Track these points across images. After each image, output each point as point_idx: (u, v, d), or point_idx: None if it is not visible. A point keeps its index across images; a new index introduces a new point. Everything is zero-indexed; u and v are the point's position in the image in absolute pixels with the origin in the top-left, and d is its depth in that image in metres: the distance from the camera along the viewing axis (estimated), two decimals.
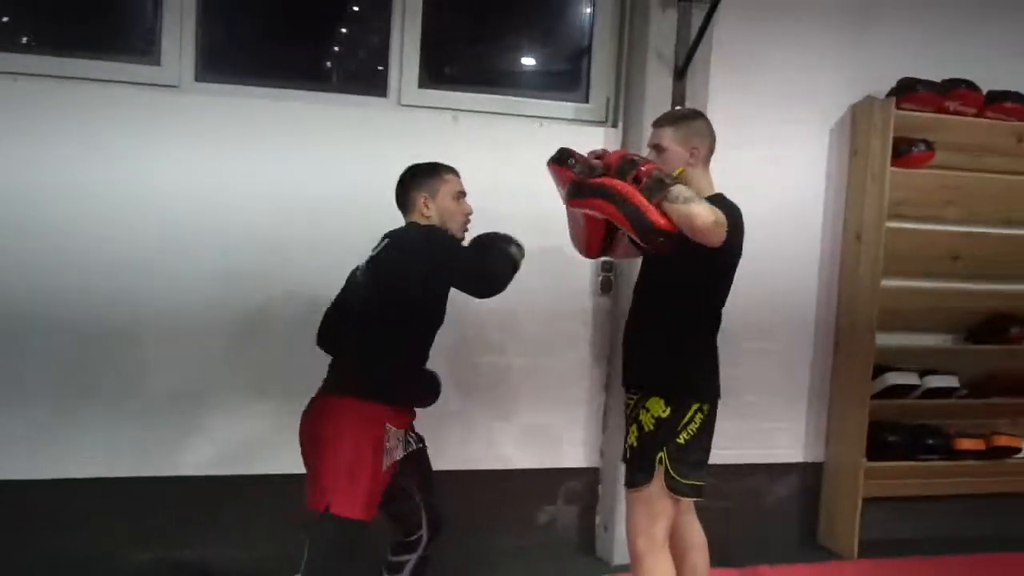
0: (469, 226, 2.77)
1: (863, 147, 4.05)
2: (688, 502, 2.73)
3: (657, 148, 2.69)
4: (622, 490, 3.75)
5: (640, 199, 2.46)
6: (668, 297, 2.70)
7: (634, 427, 2.69)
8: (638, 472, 2.66)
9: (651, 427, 2.63)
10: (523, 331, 3.83)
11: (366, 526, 2.50)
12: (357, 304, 2.64)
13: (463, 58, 3.99)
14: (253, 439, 3.48)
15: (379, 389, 2.55)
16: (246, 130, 3.47)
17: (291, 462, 2.69)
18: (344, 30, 3.98)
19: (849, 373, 4.08)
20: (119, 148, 3.33)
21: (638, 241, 2.55)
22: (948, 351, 4.33)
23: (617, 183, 2.51)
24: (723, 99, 3.75)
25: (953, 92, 3.99)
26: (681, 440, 2.61)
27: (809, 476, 4.24)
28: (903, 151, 3.96)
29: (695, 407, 2.62)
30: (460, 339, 3.64)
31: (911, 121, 3.97)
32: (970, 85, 4.01)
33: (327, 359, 2.72)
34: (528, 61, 4.11)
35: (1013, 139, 4.18)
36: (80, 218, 3.30)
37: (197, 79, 3.49)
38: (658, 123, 2.74)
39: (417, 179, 2.71)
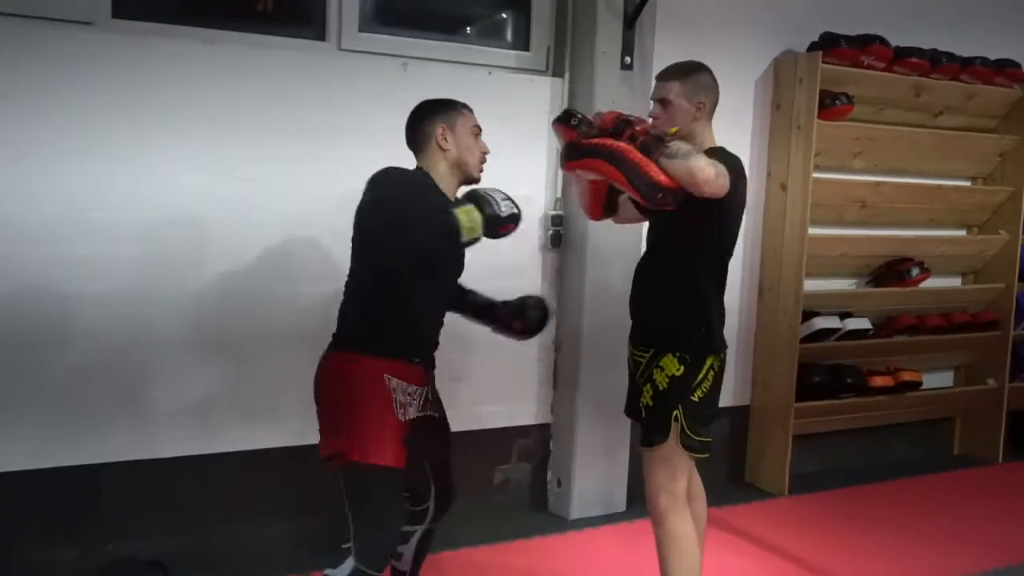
0: (484, 166, 2.57)
1: (787, 99, 4.18)
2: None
3: (663, 102, 2.62)
4: (575, 446, 3.81)
5: (638, 156, 2.41)
6: (675, 253, 2.66)
7: (648, 387, 2.65)
8: (655, 431, 2.63)
9: (665, 385, 2.61)
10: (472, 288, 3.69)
11: (401, 475, 2.37)
12: (353, 254, 2.47)
13: None
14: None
15: (372, 341, 2.40)
16: (167, 75, 3.09)
17: None
18: None
19: (777, 318, 4.25)
20: (23, 92, 2.89)
21: (639, 200, 2.51)
22: (855, 294, 4.59)
23: (613, 142, 2.46)
24: (667, 51, 3.73)
25: (869, 47, 4.18)
26: (696, 398, 2.60)
27: (736, 419, 4.40)
28: (827, 104, 4.11)
29: (709, 363, 2.61)
30: None
31: (830, 74, 4.12)
32: (882, 41, 4.21)
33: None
34: (473, 5, 3.92)
35: (912, 93, 4.44)
36: None
37: (114, 15, 3.08)
38: (664, 76, 2.66)
39: (434, 111, 2.50)
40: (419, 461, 2.53)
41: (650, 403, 2.65)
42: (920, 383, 4.61)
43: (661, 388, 2.62)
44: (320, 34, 3.43)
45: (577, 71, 3.75)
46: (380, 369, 2.39)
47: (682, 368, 2.59)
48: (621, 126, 2.50)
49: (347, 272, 2.52)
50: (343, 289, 2.51)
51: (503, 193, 2.34)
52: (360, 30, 3.47)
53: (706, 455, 2.67)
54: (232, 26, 3.28)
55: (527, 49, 3.84)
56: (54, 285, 2.98)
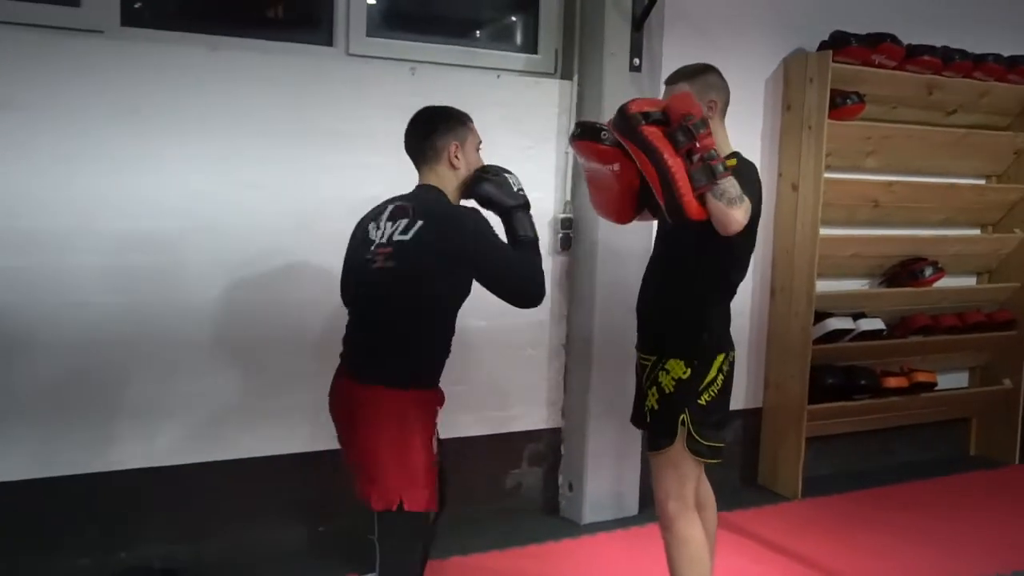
0: None
1: (798, 99, 4.15)
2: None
3: None
4: (587, 450, 3.80)
5: (683, 181, 2.33)
6: (686, 261, 2.62)
7: (654, 390, 2.63)
8: (661, 435, 2.61)
9: (671, 389, 2.59)
10: (480, 291, 3.67)
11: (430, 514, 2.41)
12: (389, 289, 2.35)
13: (414, 3, 3.75)
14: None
15: (425, 375, 2.40)
16: (177, 82, 3.10)
17: None
18: None
19: (789, 320, 4.22)
20: (35, 101, 2.90)
21: (663, 212, 2.44)
22: (868, 295, 4.55)
23: (668, 152, 2.35)
24: (676, 52, 3.71)
25: (880, 46, 4.14)
26: (703, 401, 2.57)
27: (748, 421, 4.37)
28: (837, 103, 4.08)
29: (717, 363, 2.59)
30: None
31: (841, 73, 4.09)
32: (894, 39, 4.18)
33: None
34: (481, 9, 3.92)
35: (925, 91, 4.41)
36: None
37: (123, 23, 3.09)
38: (673, 80, 2.64)
39: (446, 124, 2.43)
40: None
41: (655, 406, 2.63)
42: (935, 384, 4.57)
43: (667, 391, 2.59)
44: (328, 39, 3.44)
45: (586, 73, 3.73)
46: (434, 402, 2.42)
47: (688, 371, 2.57)
48: (683, 135, 2.34)
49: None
50: (358, 315, 2.46)
51: (513, 175, 2.48)
52: (368, 35, 3.47)
53: (717, 460, 2.65)
54: (241, 32, 3.29)
55: (535, 52, 3.83)
56: (68, 294, 2.99)
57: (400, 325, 2.34)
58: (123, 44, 3.04)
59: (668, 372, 2.60)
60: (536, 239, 2.45)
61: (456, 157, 2.42)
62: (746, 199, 2.35)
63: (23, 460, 2.98)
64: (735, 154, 2.59)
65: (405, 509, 2.27)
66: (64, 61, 2.93)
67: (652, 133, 2.36)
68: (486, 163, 2.52)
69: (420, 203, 2.37)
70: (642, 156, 2.39)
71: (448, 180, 2.44)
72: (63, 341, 3.00)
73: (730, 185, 2.34)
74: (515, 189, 2.45)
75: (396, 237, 2.32)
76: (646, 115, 2.38)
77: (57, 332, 2.99)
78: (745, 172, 2.51)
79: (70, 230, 2.97)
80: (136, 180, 3.06)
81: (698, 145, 2.33)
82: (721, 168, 2.33)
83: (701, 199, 2.34)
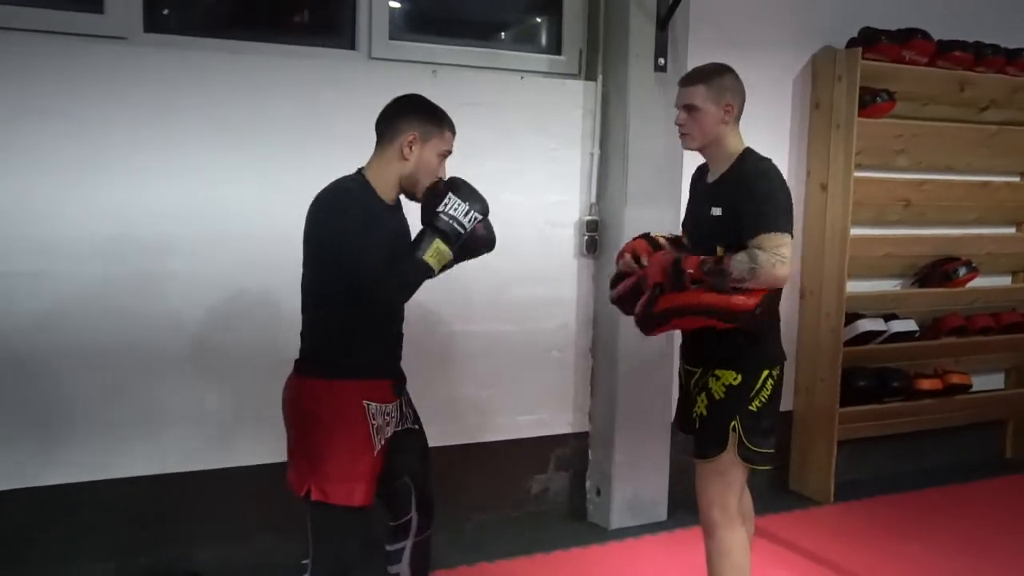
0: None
1: (826, 97, 4.09)
2: None
3: (689, 108, 2.54)
4: (614, 454, 3.75)
5: (717, 299, 2.37)
6: None
7: (703, 396, 2.56)
8: (710, 443, 2.54)
9: (722, 395, 2.51)
10: (506, 296, 3.66)
11: (367, 510, 2.34)
12: (304, 276, 2.37)
13: (437, 6, 3.73)
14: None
15: (341, 365, 2.31)
16: (200, 87, 3.10)
17: None
18: None
19: (819, 322, 4.15)
20: (60, 107, 2.90)
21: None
22: (900, 296, 4.47)
23: (688, 298, 2.40)
24: (701, 52, 3.66)
25: (910, 42, 4.07)
26: (754, 408, 2.50)
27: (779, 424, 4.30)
28: (867, 101, 4.02)
29: (766, 373, 2.52)
30: (440, 306, 3.46)
31: (870, 71, 4.02)
32: (924, 35, 4.10)
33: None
34: (504, 10, 3.89)
35: (957, 88, 4.32)
36: (10, 182, 2.87)
37: (146, 30, 3.10)
38: (688, 81, 2.58)
39: (415, 113, 2.35)
40: (400, 474, 2.48)
41: (705, 413, 2.56)
42: (969, 386, 4.49)
43: (717, 398, 2.52)
44: (350, 43, 3.42)
45: (610, 74, 3.69)
46: (357, 394, 2.31)
47: (739, 377, 2.50)
48: (676, 276, 2.41)
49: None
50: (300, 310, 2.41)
51: (466, 204, 2.29)
52: (391, 38, 3.46)
53: (768, 467, 2.58)
54: (263, 37, 3.28)
55: (559, 53, 3.79)
56: (97, 302, 2.99)
57: (312, 314, 2.35)
58: (146, 50, 3.04)
59: (719, 379, 2.53)
60: (427, 266, 2.25)
61: (409, 148, 2.31)
62: (764, 254, 2.33)
63: (47, 465, 2.98)
64: (747, 150, 2.55)
65: (331, 502, 2.26)
66: (88, 68, 2.93)
67: (665, 303, 2.44)
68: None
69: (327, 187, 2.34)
70: (684, 320, 2.46)
71: (390, 166, 2.34)
72: (92, 346, 3.00)
73: (737, 262, 2.35)
74: (463, 213, 2.28)
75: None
76: (652, 302, 2.47)
77: (89, 337, 2.99)
78: (761, 169, 2.47)
79: (92, 236, 2.97)
80: (161, 186, 3.05)
81: (690, 272, 2.39)
82: (719, 264, 2.37)
83: (741, 291, 2.36)
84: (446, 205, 2.28)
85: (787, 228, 2.39)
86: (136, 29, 3.07)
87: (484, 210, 2.34)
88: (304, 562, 2.38)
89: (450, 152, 2.41)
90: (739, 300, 2.36)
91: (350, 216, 2.24)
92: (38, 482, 2.98)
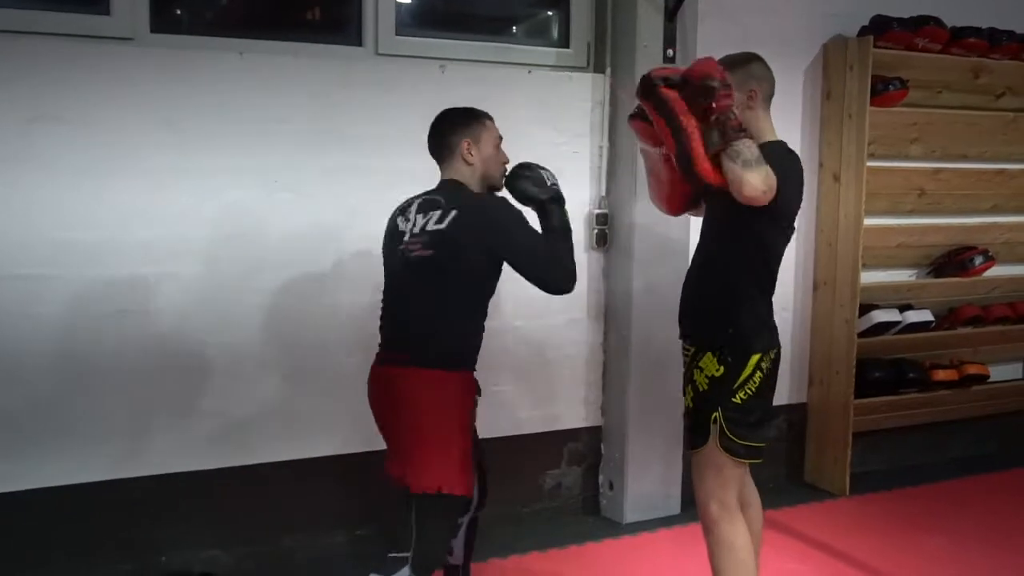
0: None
1: (838, 87, 4.04)
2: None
3: None
4: (627, 448, 3.74)
5: (696, 142, 2.31)
6: (722, 250, 2.58)
7: (689, 388, 2.60)
8: (695, 434, 2.58)
9: (705, 387, 2.53)
10: (514, 289, 3.63)
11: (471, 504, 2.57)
12: (429, 275, 2.45)
13: (443, 1, 3.71)
14: None
15: (465, 357, 2.50)
16: (207, 87, 3.10)
17: None
18: None
19: (833, 313, 4.12)
20: (66, 108, 2.91)
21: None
22: (915, 286, 4.42)
23: (682, 111, 2.34)
24: (710, 42, 3.64)
25: (923, 29, 4.02)
26: (738, 400, 2.50)
27: (793, 417, 4.28)
28: (879, 89, 3.97)
29: (754, 361, 2.51)
30: None
31: (882, 58, 3.98)
32: (937, 21, 4.05)
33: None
34: (511, 4, 3.87)
35: (971, 75, 4.27)
36: (22, 185, 2.88)
37: (153, 30, 3.09)
38: None
39: (458, 123, 2.55)
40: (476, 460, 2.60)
41: (691, 404, 2.60)
42: (987, 376, 4.44)
43: (701, 389, 2.55)
44: (357, 39, 3.41)
45: (619, 66, 3.67)
46: (471, 385, 2.53)
47: (722, 369, 2.50)
48: (702, 93, 2.32)
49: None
50: (396, 302, 2.55)
51: (541, 171, 2.57)
52: (397, 34, 3.45)
53: (756, 460, 2.57)
54: (270, 36, 3.27)
55: (567, 46, 3.77)
56: (108, 303, 3.01)
57: (440, 309, 2.44)
58: (153, 51, 3.05)
59: (702, 370, 2.55)
60: (567, 228, 2.53)
61: (469, 153, 2.53)
62: (765, 165, 2.28)
63: (67, 465, 3.00)
64: (778, 142, 2.52)
65: (444, 493, 2.35)
66: (94, 69, 2.94)
67: (668, 94, 2.36)
68: (520, 158, 2.60)
69: (449, 195, 2.49)
70: (658, 117, 2.37)
71: (466, 175, 2.55)
72: (103, 349, 3.01)
73: (745, 147, 2.27)
74: (548, 183, 2.54)
75: (431, 227, 2.44)
76: (665, 79, 2.39)
77: (97, 339, 3.00)
78: (776, 154, 2.43)
79: (102, 240, 2.98)
80: (169, 188, 3.06)
81: (715, 106, 2.29)
82: (735, 131, 2.28)
83: (717, 162, 2.29)
84: (546, 179, 2.54)
85: (781, 176, 2.33)
86: (143, 30, 3.07)
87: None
88: (392, 555, 2.49)
89: (501, 137, 2.61)
90: (706, 167, 2.31)
91: (506, 214, 2.45)
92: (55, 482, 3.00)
